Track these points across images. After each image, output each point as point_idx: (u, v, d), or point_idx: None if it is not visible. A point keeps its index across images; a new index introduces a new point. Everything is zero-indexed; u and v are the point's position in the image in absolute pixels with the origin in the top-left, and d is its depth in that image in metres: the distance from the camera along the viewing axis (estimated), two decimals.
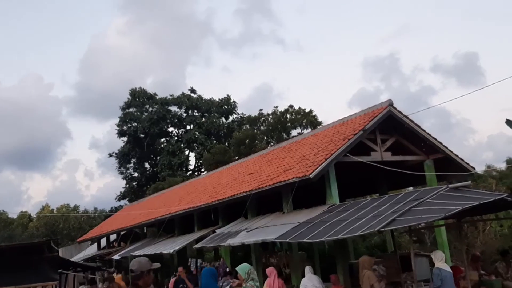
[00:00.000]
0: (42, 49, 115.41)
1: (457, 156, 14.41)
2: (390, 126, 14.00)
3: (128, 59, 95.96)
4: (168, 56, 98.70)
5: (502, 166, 31.92)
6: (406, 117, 13.80)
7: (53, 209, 52.25)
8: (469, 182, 10.68)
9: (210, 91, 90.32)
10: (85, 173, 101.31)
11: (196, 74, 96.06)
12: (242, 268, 7.14)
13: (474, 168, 14.92)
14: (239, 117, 48.34)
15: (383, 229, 8.97)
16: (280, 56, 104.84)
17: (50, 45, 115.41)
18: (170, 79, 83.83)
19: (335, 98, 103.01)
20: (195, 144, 45.45)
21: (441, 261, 9.21)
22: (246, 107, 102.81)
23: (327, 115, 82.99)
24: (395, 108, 13.66)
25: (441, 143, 14.26)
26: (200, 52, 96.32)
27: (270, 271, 11.13)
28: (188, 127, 47.87)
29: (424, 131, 14.13)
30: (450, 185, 10.01)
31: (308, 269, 11.42)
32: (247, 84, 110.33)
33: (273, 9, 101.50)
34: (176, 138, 48.22)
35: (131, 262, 4.49)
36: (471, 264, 11.95)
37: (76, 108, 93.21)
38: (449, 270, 9.25)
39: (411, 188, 16.41)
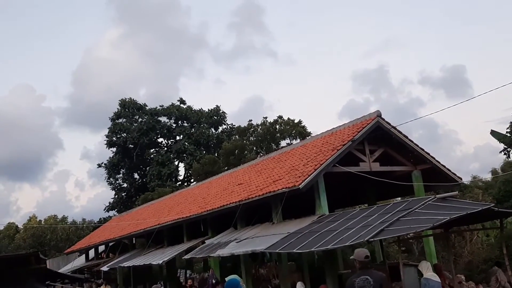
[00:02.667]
0: (34, 61, 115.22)
1: (444, 166, 14.57)
2: (378, 137, 14.13)
3: (121, 71, 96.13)
4: (161, 69, 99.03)
5: (488, 176, 32.37)
6: (394, 128, 13.95)
7: (40, 220, 51.77)
8: (456, 192, 10.82)
9: (203, 103, 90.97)
10: (75, 183, 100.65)
11: (189, 87, 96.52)
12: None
13: (461, 179, 15.10)
14: (228, 127, 48.45)
15: (372, 239, 9.05)
16: (272, 68, 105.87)
17: (43, 57, 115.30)
18: (162, 91, 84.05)
19: (326, 110, 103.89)
20: (184, 155, 45.38)
21: (427, 270, 9.29)
22: (237, 119, 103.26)
23: (318, 126, 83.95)
24: (383, 119, 13.80)
25: (428, 154, 14.42)
26: (193, 64, 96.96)
27: None
28: (177, 138, 47.85)
29: (412, 142, 14.28)
30: (437, 196, 10.14)
31: (299, 285, 11.45)
32: (239, 96, 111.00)
33: (265, 23, 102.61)
34: (165, 148, 48.13)
35: (357, 250, 5.86)
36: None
37: (69, 119, 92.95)
38: (437, 279, 9.31)
39: (399, 199, 16.56)
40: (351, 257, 6.14)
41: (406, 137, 14.20)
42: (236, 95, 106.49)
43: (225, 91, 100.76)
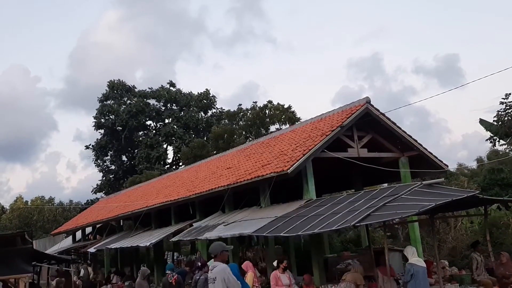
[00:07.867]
0: (30, 43, 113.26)
1: (431, 153, 14.70)
2: (367, 123, 14.19)
3: (119, 53, 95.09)
4: (159, 52, 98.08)
5: (473, 164, 32.80)
6: (383, 114, 14.01)
7: (27, 201, 51.47)
8: (442, 179, 10.92)
9: (199, 88, 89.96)
10: (67, 165, 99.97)
11: (187, 71, 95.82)
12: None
13: (447, 166, 15.26)
14: (218, 111, 48.24)
15: (358, 224, 9.13)
16: (270, 54, 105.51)
17: (39, 39, 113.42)
18: (159, 75, 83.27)
19: (319, 96, 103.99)
20: (173, 138, 45.18)
21: (412, 256, 9.40)
22: (231, 104, 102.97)
23: (311, 112, 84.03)
24: (372, 106, 13.84)
25: (416, 141, 14.52)
26: (192, 49, 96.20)
27: (247, 264, 11.25)
28: (166, 121, 47.54)
29: (400, 128, 14.36)
30: (424, 182, 10.24)
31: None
32: (235, 81, 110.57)
33: (265, 9, 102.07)
34: (154, 131, 47.84)
35: None
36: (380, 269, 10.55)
37: (64, 100, 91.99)
38: (422, 264, 9.41)
39: (386, 185, 16.70)
40: None
41: (394, 123, 14.27)
42: (233, 80, 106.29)
43: (223, 76, 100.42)
